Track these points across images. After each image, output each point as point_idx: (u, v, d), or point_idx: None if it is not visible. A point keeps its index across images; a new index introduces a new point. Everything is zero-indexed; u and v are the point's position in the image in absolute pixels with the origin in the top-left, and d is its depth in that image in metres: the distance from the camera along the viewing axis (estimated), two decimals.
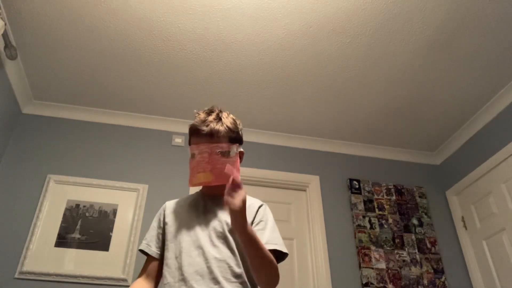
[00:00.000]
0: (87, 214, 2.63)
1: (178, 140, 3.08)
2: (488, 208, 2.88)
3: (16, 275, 2.34)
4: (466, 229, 3.07)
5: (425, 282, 2.84)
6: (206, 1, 2.21)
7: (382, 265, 2.84)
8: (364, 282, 2.74)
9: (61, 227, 2.55)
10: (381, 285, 2.76)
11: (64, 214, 2.59)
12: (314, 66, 2.62)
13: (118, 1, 2.21)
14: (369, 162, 3.37)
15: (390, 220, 3.06)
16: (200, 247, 1.22)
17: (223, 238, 1.24)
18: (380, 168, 3.36)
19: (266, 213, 1.34)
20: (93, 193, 2.70)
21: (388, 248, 2.92)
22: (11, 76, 2.61)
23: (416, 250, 2.96)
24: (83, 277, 2.41)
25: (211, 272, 1.17)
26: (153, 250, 1.34)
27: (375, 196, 3.15)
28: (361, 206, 3.07)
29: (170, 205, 1.42)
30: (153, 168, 2.91)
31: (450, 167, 3.33)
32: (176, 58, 2.57)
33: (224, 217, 1.28)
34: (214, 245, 1.23)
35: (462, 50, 2.49)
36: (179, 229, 1.30)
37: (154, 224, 1.40)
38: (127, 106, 3.00)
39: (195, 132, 1.33)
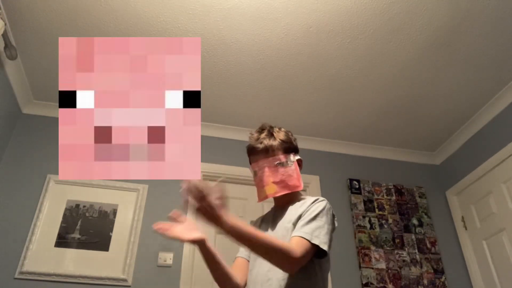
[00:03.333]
0: (87, 214, 2.63)
1: None
2: (488, 208, 2.88)
3: (16, 275, 2.34)
4: (466, 229, 3.07)
5: (425, 282, 2.84)
6: (206, 1, 2.21)
7: (382, 265, 2.84)
8: (364, 282, 2.74)
9: (61, 227, 2.55)
10: (381, 285, 2.76)
11: (64, 214, 2.59)
12: (314, 66, 2.62)
13: (118, 1, 2.21)
14: (369, 162, 3.37)
15: (390, 220, 3.06)
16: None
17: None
18: (380, 168, 3.36)
19: (315, 206, 1.28)
20: (93, 193, 2.70)
21: (388, 248, 2.92)
22: (11, 76, 2.61)
23: (416, 250, 2.96)
24: (83, 277, 2.41)
25: (269, 279, 1.21)
26: (243, 253, 1.46)
27: (375, 196, 3.15)
28: (361, 206, 3.07)
29: (253, 223, 1.52)
30: None
31: (450, 167, 3.33)
32: None
33: (282, 226, 1.31)
34: None
35: (462, 50, 2.49)
36: None
37: None
38: None
39: (252, 151, 1.42)
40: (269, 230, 1.36)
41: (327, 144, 3.34)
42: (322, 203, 1.30)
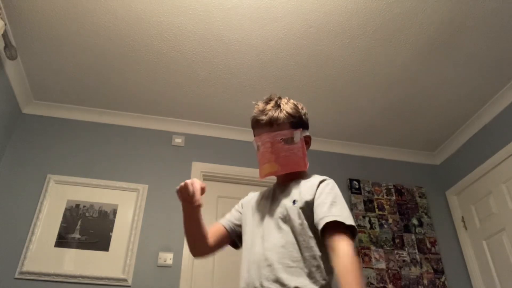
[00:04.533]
0: (87, 214, 2.63)
1: (178, 140, 3.08)
2: (488, 208, 2.88)
3: (16, 275, 2.34)
4: (466, 229, 3.07)
5: (425, 282, 2.84)
6: (206, 1, 2.21)
7: (382, 265, 2.84)
8: (364, 282, 2.74)
9: (61, 227, 2.55)
10: (381, 285, 2.76)
11: (64, 214, 2.59)
12: (314, 66, 2.62)
13: (118, 1, 2.21)
14: (369, 162, 3.37)
15: (390, 220, 3.06)
16: (263, 236, 1.20)
17: (283, 224, 1.19)
18: (380, 168, 3.35)
19: (328, 187, 1.22)
20: (93, 193, 2.70)
21: (388, 248, 2.92)
22: (11, 76, 2.61)
23: (416, 250, 2.96)
24: (83, 277, 2.41)
25: (266, 259, 1.13)
26: (224, 221, 1.38)
27: (375, 196, 3.15)
28: (361, 206, 3.07)
29: (249, 196, 1.43)
30: (153, 168, 2.91)
31: (450, 167, 3.33)
32: (176, 58, 2.57)
33: (283, 204, 1.23)
34: (275, 232, 1.19)
35: (462, 50, 2.49)
36: (250, 220, 1.30)
37: (233, 210, 1.43)
38: (127, 106, 3.00)
39: (255, 124, 1.32)
40: (268, 207, 1.28)
41: (327, 144, 3.34)
42: (332, 183, 1.24)
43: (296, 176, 1.32)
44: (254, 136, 1.33)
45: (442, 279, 2.88)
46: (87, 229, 2.57)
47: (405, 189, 3.25)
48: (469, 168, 3.07)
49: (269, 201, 1.30)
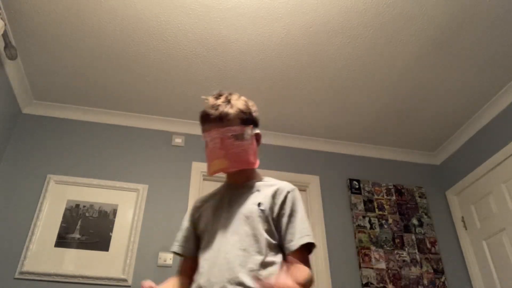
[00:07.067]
0: (87, 214, 2.63)
1: (178, 140, 3.08)
2: (488, 208, 2.88)
3: (16, 275, 2.34)
4: (466, 229, 3.07)
5: (425, 282, 2.84)
6: (206, 1, 2.21)
7: (382, 265, 2.84)
8: (364, 282, 2.74)
9: (61, 227, 2.55)
10: (381, 285, 2.76)
11: (64, 214, 2.59)
12: (314, 66, 2.62)
13: (118, 1, 2.21)
14: (369, 162, 3.37)
15: (390, 220, 3.06)
16: (222, 239, 1.18)
17: (245, 226, 1.18)
18: (380, 168, 3.36)
19: (295, 201, 1.23)
20: (93, 193, 2.70)
21: (388, 248, 2.92)
22: (11, 76, 2.61)
23: (416, 250, 2.96)
24: (83, 277, 2.41)
25: (228, 262, 1.11)
26: (185, 250, 1.31)
27: (375, 196, 3.15)
28: (361, 206, 3.07)
29: (198, 202, 1.39)
30: (153, 168, 2.91)
31: (450, 167, 3.33)
32: (176, 58, 2.57)
33: (245, 206, 1.22)
34: (236, 235, 1.17)
35: (462, 50, 2.49)
36: (205, 224, 1.27)
37: (184, 223, 1.37)
38: (127, 106, 3.00)
39: (204, 118, 1.28)
40: (224, 209, 1.25)
41: (327, 144, 3.34)
42: (298, 193, 1.26)
43: (251, 176, 1.31)
44: (202, 132, 1.29)
45: (442, 279, 2.88)
46: (87, 229, 2.57)
47: (405, 189, 3.25)
48: (469, 168, 3.07)
49: (226, 203, 1.27)
